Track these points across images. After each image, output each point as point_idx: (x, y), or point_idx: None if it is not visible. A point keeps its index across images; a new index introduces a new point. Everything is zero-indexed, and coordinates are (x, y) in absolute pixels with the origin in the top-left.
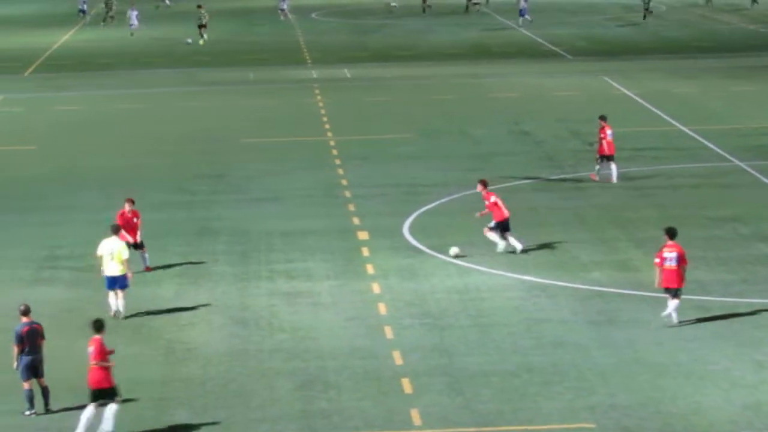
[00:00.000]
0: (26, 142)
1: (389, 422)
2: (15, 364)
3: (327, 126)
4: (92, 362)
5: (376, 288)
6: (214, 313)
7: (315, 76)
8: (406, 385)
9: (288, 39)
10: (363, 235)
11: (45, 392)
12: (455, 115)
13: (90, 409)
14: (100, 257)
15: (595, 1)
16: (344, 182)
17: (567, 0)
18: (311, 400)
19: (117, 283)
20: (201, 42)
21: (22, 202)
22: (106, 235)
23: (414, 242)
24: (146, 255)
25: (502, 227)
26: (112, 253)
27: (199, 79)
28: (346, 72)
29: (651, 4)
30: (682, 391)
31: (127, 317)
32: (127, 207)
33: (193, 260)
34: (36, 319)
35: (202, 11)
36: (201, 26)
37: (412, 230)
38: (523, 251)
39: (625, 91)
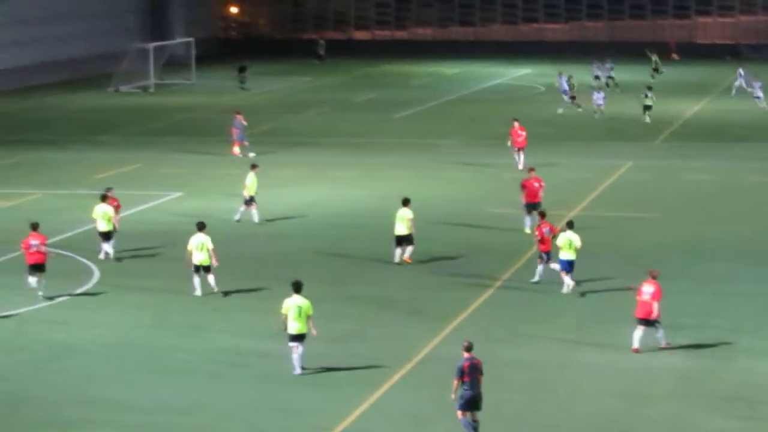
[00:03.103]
0: (651, 210)
1: None
2: (453, 396)
3: None
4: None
5: None
6: None
7: None
8: None
9: None
10: None
11: (475, 426)
12: None
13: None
14: None
15: None
16: None
17: None
18: None
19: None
20: (647, 120)
21: (642, 268)
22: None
23: None
24: None
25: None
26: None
27: None
28: None
29: None
30: None
31: None
32: None
33: None
34: None
35: (649, 93)
36: (646, 107)
37: None
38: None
39: None
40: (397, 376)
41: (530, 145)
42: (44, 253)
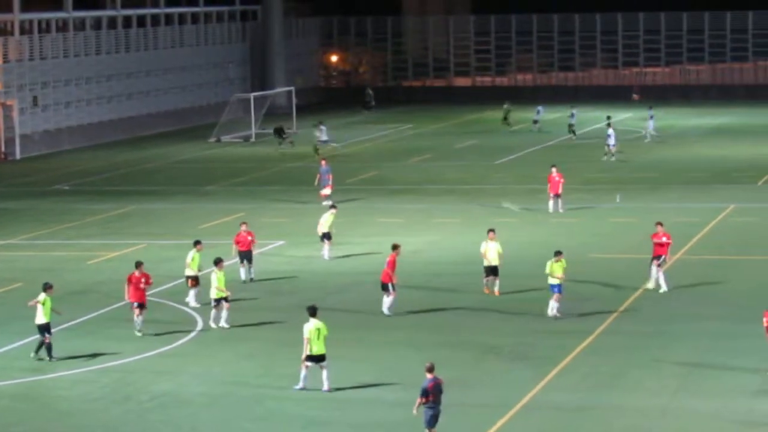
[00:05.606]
0: (756, 252)
1: None
2: (415, 412)
3: None
4: None
5: None
6: None
7: None
8: None
9: None
10: None
11: None
12: None
13: None
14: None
15: None
16: None
17: None
18: None
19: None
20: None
21: (747, 311)
22: None
23: None
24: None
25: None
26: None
27: None
28: None
29: None
30: None
31: None
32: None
33: None
34: None
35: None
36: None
37: None
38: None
39: None
40: (500, 422)
41: (636, 189)
42: (145, 291)
